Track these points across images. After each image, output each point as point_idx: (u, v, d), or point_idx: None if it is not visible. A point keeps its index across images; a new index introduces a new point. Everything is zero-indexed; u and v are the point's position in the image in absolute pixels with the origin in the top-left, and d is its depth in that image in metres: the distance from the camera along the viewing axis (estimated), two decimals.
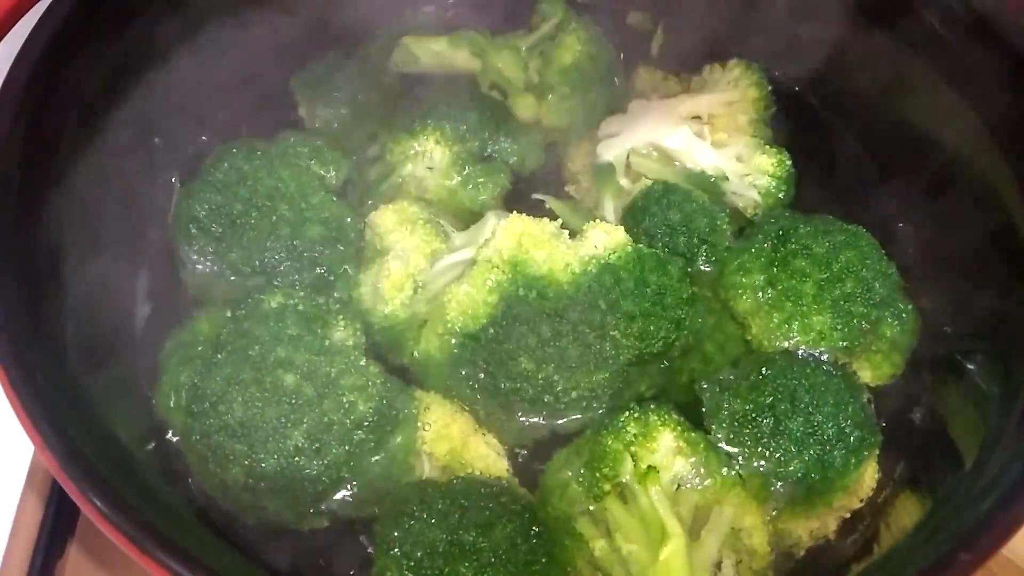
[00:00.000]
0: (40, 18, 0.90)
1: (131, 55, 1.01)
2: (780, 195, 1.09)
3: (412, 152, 1.11)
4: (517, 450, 0.96)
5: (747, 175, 1.09)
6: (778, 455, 0.90)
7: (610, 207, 1.10)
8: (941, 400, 0.99)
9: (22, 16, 0.84)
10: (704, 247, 1.03)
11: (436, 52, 1.23)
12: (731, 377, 0.95)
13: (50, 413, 0.72)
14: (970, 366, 0.98)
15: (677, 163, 1.10)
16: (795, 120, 1.18)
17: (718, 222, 1.05)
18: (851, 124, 1.18)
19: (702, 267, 1.04)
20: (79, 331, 0.88)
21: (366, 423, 0.90)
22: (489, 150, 1.14)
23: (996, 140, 0.98)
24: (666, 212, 1.03)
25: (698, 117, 1.14)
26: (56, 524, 0.97)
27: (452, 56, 1.23)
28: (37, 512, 0.97)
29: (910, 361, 1.01)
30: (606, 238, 0.95)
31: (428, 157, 1.11)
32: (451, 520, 0.84)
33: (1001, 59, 0.96)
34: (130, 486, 0.73)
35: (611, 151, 1.12)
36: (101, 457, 0.73)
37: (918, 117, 1.08)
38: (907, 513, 0.91)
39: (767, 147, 1.10)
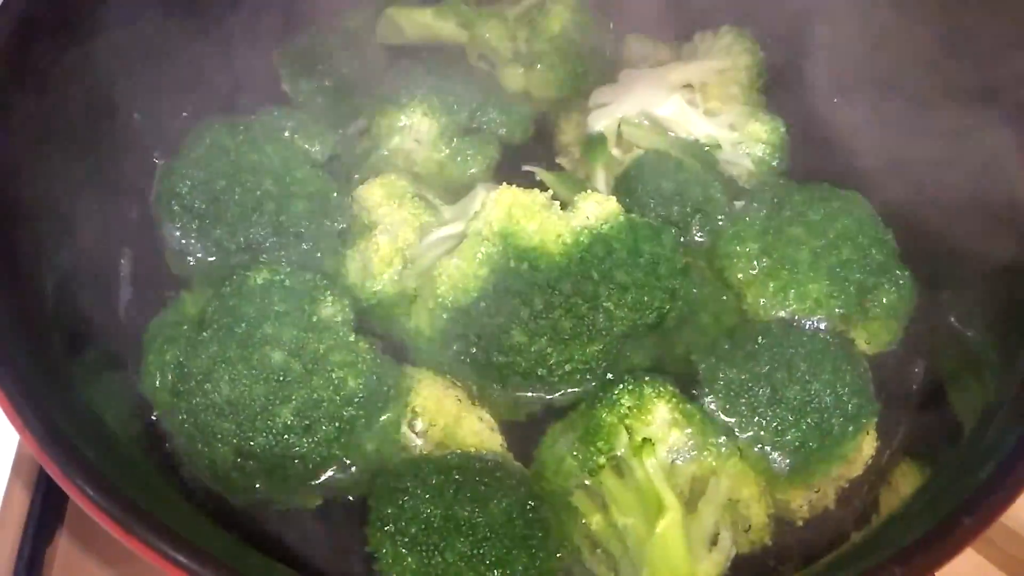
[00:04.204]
0: None
1: (108, 28, 0.98)
2: (774, 163, 1.07)
3: (399, 125, 1.09)
4: (511, 424, 0.95)
5: (740, 143, 1.08)
6: (775, 424, 0.89)
7: (601, 178, 1.08)
8: (939, 367, 0.98)
9: None
10: (698, 216, 1.02)
11: (422, 23, 1.20)
12: (727, 347, 0.94)
13: (33, 397, 0.71)
14: (968, 333, 0.96)
15: (669, 132, 1.09)
16: (788, 87, 1.16)
17: (712, 191, 1.03)
18: (846, 91, 1.16)
19: (696, 237, 1.02)
20: (61, 313, 0.86)
21: (356, 399, 0.88)
22: (477, 122, 1.12)
23: (997, 105, 0.96)
24: (659, 182, 1.02)
25: (690, 85, 1.12)
26: (44, 512, 0.95)
27: (438, 27, 1.20)
28: (24, 501, 0.95)
29: (908, 328, 1.00)
30: (598, 208, 0.93)
31: (415, 130, 1.09)
32: (446, 496, 0.83)
33: (999, 22, 0.95)
34: (117, 468, 0.71)
35: (602, 121, 1.10)
36: (86, 440, 0.71)
37: (915, 82, 1.06)
38: (906, 482, 0.90)
39: (760, 114, 1.09)
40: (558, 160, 1.15)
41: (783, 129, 1.08)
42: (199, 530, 0.75)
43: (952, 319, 0.99)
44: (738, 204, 1.04)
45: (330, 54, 1.17)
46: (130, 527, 0.65)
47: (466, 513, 0.81)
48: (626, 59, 1.22)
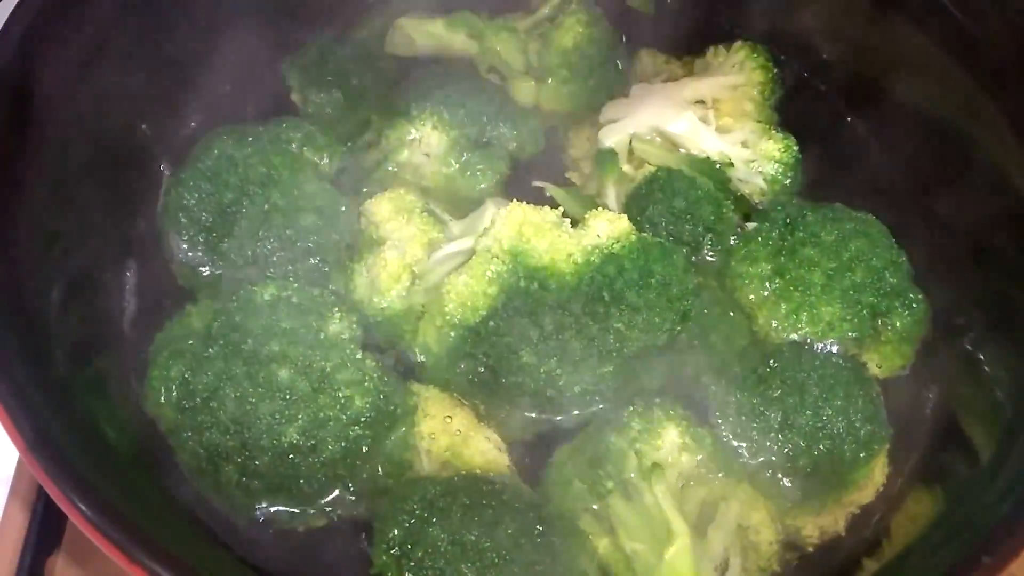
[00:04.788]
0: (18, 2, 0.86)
1: (115, 38, 0.97)
2: (787, 182, 1.06)
3: (408, 138, 1.08)
4: (518, 444, 0.93)
5: (753, 161, 1.06)
6: (787, 450, 0.88)
7: (612, 194, 1.07)
8: (953, 392, 0.96)
9: None
10: (709, 236, 1.01)
11: (432, 34, 1.19)
12: (737, 370, 0.93)
13: (33, 413, 0.69)
14: (982, 356, 0.95)
15: (681, 149, 1.07)
16: (802, 105, 1.15)
17: (724, 210, 1.02)
18: (860, 109, 1.15)
19: (707, 256, 1.01)
20: (64, 326, 0.85)
21: (363, 419, 0.87)
22: (487, 136, 1.11)
23: (1010, 124, 0.95)
24: (670, 200, 1.00)
25: (702, 101, 1.11)
26: (42, 532, 0.94)
27: (449, 39, 1.19)
28: (22, 520, 0.94)
29: (921, 352, 0.98)
30: (609, 227, 0.92)
31: (425, 143, 1.08)
32: (452, 519, 0.81)
33: (1015, 39, 0.93)
34: (118, 488, 0.70)
35: (613, 136, 1.09)
36: (87, 458, 0.70)
37: (929, 101, 1.05)
38: (919, 509, 0.89)
39: (773, 132, 1.07)
40: (568, 175, 1.14)
41: (796, 147, 1.07)
42: (202, 553, 0.74)
43: (966, 343, 0.97)
44: (750, 225, 1.03)
45: (340, 65, 1.16)
46: (130, 550, 0.64)
47: (473, 537, 0.80)
48: (638, 73, 1.20)
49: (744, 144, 1.07)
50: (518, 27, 1.18)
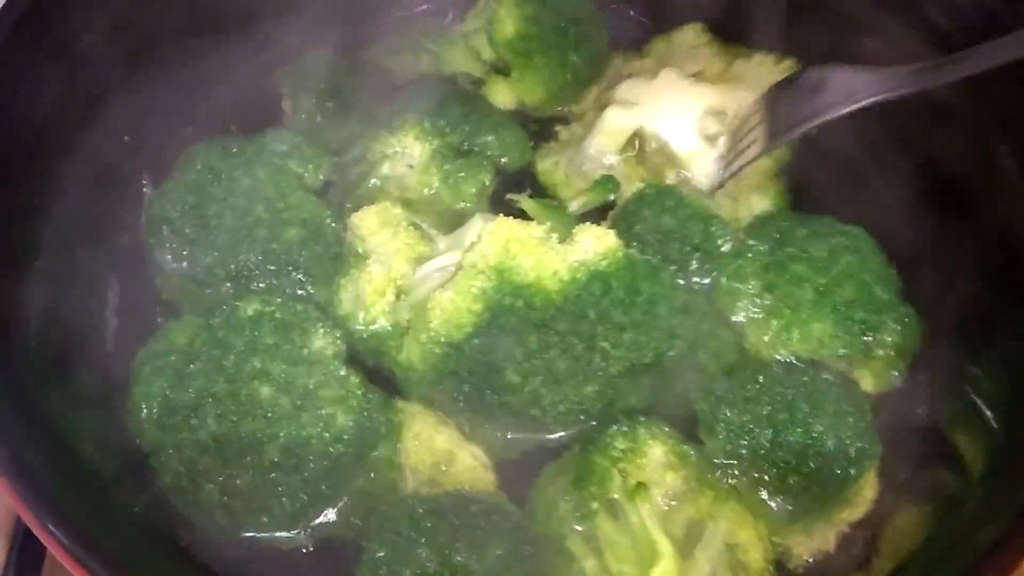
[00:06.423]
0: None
1: (98, 47, 0.96)
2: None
3: (391, 151, 1.06)
4: (504, 462, 0.92)
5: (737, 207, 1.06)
6: (776, 468, 0.87)
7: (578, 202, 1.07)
8: (945, 408, 0.95)
9: None
10: (697, 255, 0.99)
11: (404, 66, 1.19)
12: (726, 387, 0.91)
13: (8, 437, 0.68)
14: (975, 371, 0.94)
15: (682, 172, 1.07)
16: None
17: (713, 228, 0.99)
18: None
19: (696, 274, 0.99)
20: (43, 342, 0.84)
21: (346, 436, 0.86)
22: (470, 144, 1.09)
23: (1000, 132, 0.94)
24: (659, 218, 0.99)
25: (724, 113, 1.08)
26: (21, 565, 0.92)
27: (418, 65, 1.19)
28: (1, 550, 0.92)
29: (912, 367, 0.97)
30: (596, 243, 0.90)
31: (407, 155, 1.07)
32: (441, 539, 0.80)
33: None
34: (98, 514, 0.70)
35: (620, 118, 1.07)
36: (66, 484, 0.70)
37: (914, 112, 1.03)
38: (909, 525, 0.88)
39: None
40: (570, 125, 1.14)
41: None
42: None
43: (957, 358, 0.96)
44: (738, 242, 1.01)
45: (333, 76, 1.14)
46: None
47: (462, 559, 0.79)
48: (677, 48, 1.17)
49: (735, 199, 1.07)
50: (463, 34, 1.17)
